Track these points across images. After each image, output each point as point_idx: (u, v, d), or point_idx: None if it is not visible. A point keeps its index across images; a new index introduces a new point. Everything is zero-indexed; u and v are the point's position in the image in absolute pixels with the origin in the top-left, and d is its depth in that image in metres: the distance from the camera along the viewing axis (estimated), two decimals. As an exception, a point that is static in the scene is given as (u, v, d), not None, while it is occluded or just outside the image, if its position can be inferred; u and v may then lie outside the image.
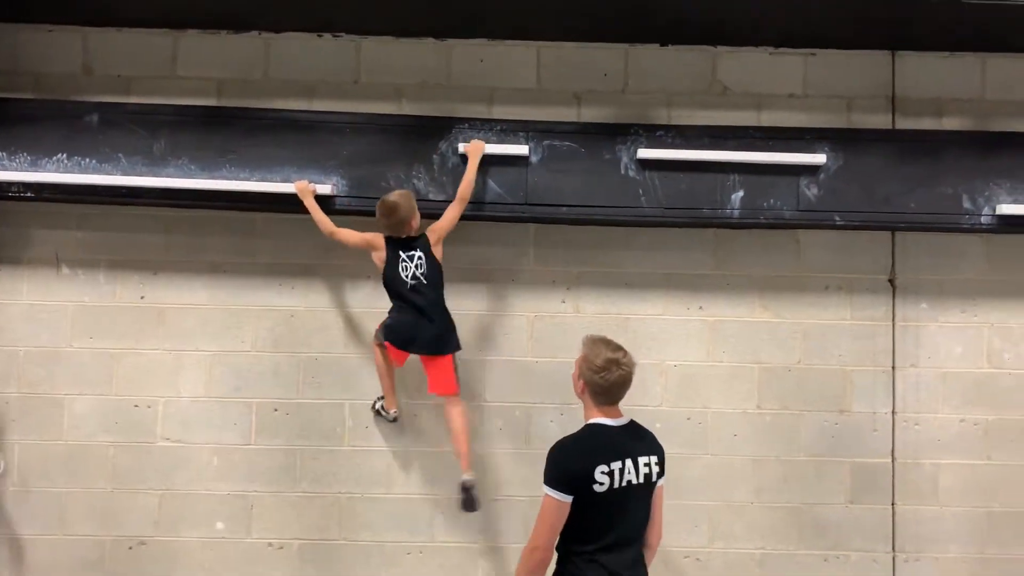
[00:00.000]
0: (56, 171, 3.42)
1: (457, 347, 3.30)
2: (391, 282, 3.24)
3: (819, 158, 3.43)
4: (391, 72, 3.65)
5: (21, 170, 3.42)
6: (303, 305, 3.62)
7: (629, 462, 2.43)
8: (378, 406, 3.54)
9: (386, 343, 3.28)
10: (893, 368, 3.63)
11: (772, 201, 3.46)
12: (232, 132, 3.46)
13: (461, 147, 3.40)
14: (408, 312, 3.22)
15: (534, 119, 3.54)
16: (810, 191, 3.46)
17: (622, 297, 3.64)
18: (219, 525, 3.57)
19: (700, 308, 3.65)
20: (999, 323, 3.64)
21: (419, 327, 3.21)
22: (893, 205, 3.45)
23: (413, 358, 3.31)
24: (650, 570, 2.56)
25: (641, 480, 2.45)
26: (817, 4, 3.21)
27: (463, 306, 3.54)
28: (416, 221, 3.25)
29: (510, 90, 3.65)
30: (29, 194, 3.41)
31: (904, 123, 3.65)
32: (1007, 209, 3.41)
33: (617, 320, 3.61)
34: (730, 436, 3.61)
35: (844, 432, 3.61)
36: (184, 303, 3.61)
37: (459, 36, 3.64)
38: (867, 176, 3.46)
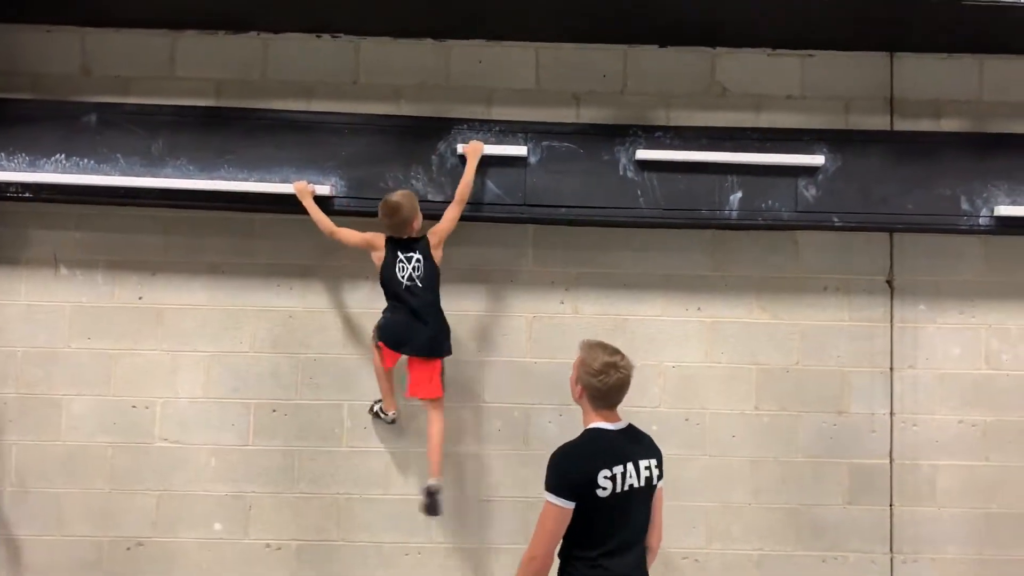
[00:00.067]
0: (54, 171, 3.42)
1: (449, 352, 3.29)
2: (388, 282, 3.24)
3: (817, 159, 3.43)
4: (390, 73, 3.65)
5: (19, 170, 3.41)
6: (302, 306, 3.61)
7: (631, 466, 2.43)
8: (376, 408, 3.53)
9: (380, 343, 3.28)
10: (891, 369, 3.64)
11: (770, 202, 3.46)
12: (231, 133, 3.46)
13: (460, 148, 3.40)
14: (402, 313, 3.21)
15: (533, 120, 3.54)
16: (808, 192, 3.46)
17: (620, 298, 3.64)
18: (217, 526, 3.56)
19: (698, 309, 3.65)
20: (997, 324, 3.64)
21: (413, 329, 3.20)
22: (891, 206, 3.45)
23: (401, 362, 3.29)
24: (649, 571, 2.56)
25: (642, 483, 2.45)
26: (815, 5, 3.21)
27: (462, 307, 3.55)
28: (418, 222, 3.24)
29: (509, 91, 3.65)
30: (27, 194, 3.41)
31: (902, 124, 3.65)
32: (1005, 210, 3.42)
33: (615, 321, 3.62)
34: (728, 437, 3.61)
35: (842, 433, 3.61)
36: (182, 304, 3.61)
37: (458, 37, 3.64)
38: (865, 177, 3.46)
